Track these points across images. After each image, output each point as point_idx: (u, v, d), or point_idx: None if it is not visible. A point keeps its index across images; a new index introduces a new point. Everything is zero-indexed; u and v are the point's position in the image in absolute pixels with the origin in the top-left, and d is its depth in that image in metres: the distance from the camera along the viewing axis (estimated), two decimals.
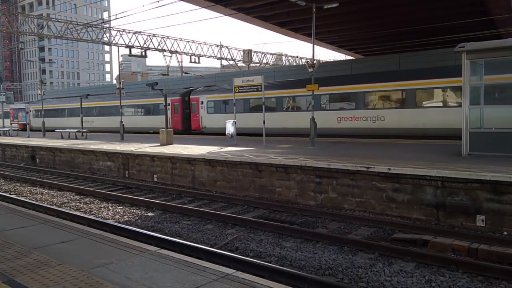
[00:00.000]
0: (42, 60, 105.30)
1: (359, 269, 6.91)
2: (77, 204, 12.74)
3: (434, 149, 14.52)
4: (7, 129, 36.25)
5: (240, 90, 18.62)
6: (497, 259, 7.21)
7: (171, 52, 38.67)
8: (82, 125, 29.88)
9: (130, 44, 35.07)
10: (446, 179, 9.48)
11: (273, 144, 18.25)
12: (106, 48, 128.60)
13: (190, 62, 40.72)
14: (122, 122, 25.38)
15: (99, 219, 10.39)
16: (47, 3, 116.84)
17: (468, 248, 7.62)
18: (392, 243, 8.29)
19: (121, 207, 12.20)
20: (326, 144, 17.96)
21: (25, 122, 39.96)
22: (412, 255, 7.43)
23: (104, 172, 18.56)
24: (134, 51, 35.69)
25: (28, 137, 30.12)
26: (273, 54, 52.18)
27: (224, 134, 21.31)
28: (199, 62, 41.46)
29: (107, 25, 40.07)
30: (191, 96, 30.33)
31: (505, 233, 8.66)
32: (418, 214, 9.97)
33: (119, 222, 10.29)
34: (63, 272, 4.64)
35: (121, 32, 34.79)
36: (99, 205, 12.45)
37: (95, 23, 37.37)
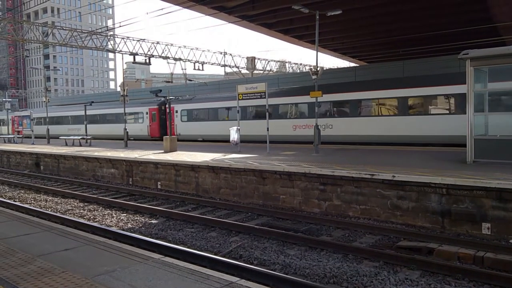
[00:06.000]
0: (47, 67, 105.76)
1: (364, 277, 6.86)
2: (81, 211, 12.74)
3: (439, 156, 14.47)
4: (12, 136, 36.39)
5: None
6: (503, 268, 7.15)
7: (175, 59, 38.80)
8: (86, 131, 29.98)
9: (134, 51, 35.20)
10: (451, 186, 9.43)
11: (277, 151, 18.23)
12: (111, 55, 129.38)
13: (194, 69, 40.84)
14: (126, 129, 25.45)
15: (102, 227, 10.38)
16: (52, 11, 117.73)
17: (474, 256, 7.55)
18: (397, 251, 8.23)
19: (125, 214, 12.20)
20: (330, 151, 17.93)
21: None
22: (417, 263, 7.37)
23: (108, 179, 18.58)
24: (138, 59, 35.84)
25: (33, 144, 30.23)
26: (276, 61, 52.29)
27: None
28: (202, 69, 41.60)
29: (111, 33, 40.26)
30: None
31: (511, 241, 8.59)
32: (423, 222, 9.91)
33: (123, 230, 10.28)
34: (67, 279, 4.63)
35: (125, 40, 34.95)
36: (103, 212, 12.45)
37: (100, 30, 37.60)
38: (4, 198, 14.93)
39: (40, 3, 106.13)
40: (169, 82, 41.65)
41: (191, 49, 40.32)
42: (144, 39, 35.94)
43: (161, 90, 24.99)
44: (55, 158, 21.96)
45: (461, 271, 6.98)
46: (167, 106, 23.14)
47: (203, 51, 41.42)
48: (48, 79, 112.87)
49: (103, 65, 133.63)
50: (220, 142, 26.93)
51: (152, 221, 11.25)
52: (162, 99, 30.28)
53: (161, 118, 32.54)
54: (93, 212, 12.50)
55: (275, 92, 25.87)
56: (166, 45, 37.73)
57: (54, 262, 5.22)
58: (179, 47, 38.98)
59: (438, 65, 23.71)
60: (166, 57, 37.89)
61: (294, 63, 54.92)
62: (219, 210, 12.44)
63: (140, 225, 10.89)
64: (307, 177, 11.94)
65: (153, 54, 36.61)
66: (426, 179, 9.81)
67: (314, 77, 17.74)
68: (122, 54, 35.30)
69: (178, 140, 24.62)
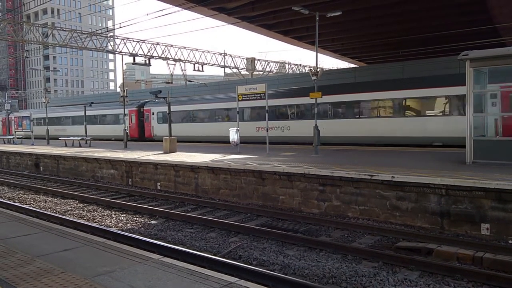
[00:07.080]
0: (47, 68, 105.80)
1: (363, 277, 6.86)
2: (81, 212, 12.74)
3: (438, 157, 14.48)
4: (12, 137, 36.38)
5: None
6: (502, 268, 7.15)
7: (174, 60, 38.84)
8: (86, 132, 29.96)
9: (134, 52, 35.24)
10: (450, 187, 9.44)
11: (276, 152, 18.24)
12: (110, 56, 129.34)
13: (194, 70, 40.89)
14: (125, 130, 25.41)
15: (102, 227, 10.38)
16: (52, 12, 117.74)
17: (473, 257, 7.56)
18: (396, 251, 8.24)
19: (124, 215, 12.20)
20: (330, 152, 17.94)
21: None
22: (417, 263, 7.38)
23: (107, 180, 18.58)
24: (138, 59, 35.89)
25: (32, 145, 30.24)
26: (276, 62, 52.27)
27: None
28: (202, 70, 41.64)
29: (111, 34, 40.32)
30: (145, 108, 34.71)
31: (510, 241, 8.59)
32: (422, 222, 9.91)
33: (122, 230, 10.28)
34: (66, 280, 4.63)
35: (125, 41, 34.99)
36: (102, 213, 12.45)
37: (100, 31, 37.64)
38: (4, 199, 14.93)
39: (40, 4, 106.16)
40: (169, 83, 41.71)
41: (191, 50, 40.38)
42: (144, 40, 36.00)
43: (160, 91, 25.01)
44: (55, 159, 21.96)
45: (460, 271, 6.98)
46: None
47: (203, 52, 41.48)
48: (48, 80, 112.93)
49: (103, 66, 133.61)
50: None
51: (152, 222, 11.26)
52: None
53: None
54: (93, 213, 12.50)
55: None
56: (166, 46, 37.78)
57: (54, 263, 5.22)
58: (179, 48, 39.03)
59: (438, 66, 23.72)
60: (166, 58, 37.93)
61: (294, 64, 54.93)
62: (219, 211, 12.45)
63: (140, 226, 10.89)
64: (306, 178, 11.95)
65: (153, 55, 36.67)
66: (426, 179, 9.82)
67: (314, 78, 17.77)
68: (122, 55, 35.36)
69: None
